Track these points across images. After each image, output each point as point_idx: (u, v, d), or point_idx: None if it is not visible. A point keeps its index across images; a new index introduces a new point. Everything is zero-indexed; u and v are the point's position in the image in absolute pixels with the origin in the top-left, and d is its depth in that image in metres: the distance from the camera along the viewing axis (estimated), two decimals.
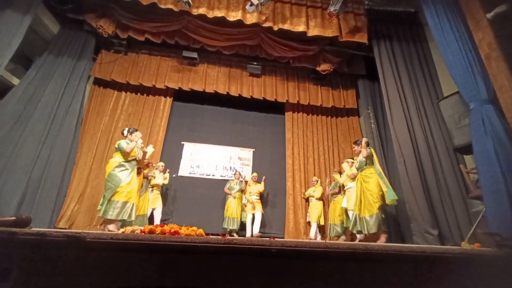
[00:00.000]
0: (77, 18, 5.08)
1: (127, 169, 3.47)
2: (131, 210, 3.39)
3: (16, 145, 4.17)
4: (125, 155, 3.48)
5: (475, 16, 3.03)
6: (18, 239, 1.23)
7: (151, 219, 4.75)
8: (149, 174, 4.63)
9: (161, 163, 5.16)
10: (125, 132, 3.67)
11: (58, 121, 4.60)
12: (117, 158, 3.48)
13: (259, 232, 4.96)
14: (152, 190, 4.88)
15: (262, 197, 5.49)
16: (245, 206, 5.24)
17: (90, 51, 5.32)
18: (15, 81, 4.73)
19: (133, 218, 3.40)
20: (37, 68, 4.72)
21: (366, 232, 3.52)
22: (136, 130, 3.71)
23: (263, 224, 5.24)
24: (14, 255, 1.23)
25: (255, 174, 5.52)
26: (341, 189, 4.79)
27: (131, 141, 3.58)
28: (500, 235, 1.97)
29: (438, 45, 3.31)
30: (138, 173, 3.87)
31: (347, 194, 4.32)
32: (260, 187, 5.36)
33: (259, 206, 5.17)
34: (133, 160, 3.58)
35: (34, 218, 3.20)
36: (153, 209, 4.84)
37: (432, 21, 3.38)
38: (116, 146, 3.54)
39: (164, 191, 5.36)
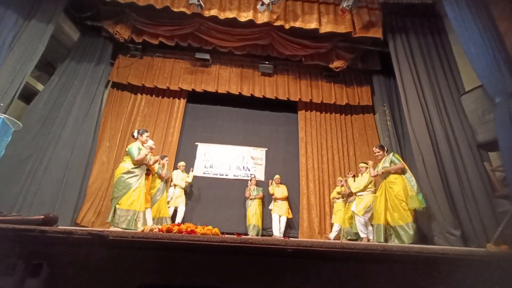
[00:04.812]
0: (95, 25, 5.29)
1: (136, 175, 3.40)
2: (136, 219, 3.26)
3: (42, 147, 4.42)
4: (134, 161, 3.40)
5: (499, 4, 2.86)
6: (48, 236, 1.30)
7: (173, 218, 4.88)
8: (166, 176, 4.74)
9: (182, 163, 5.28)
10: (135, 134, 3.64)
11: (78, 124, 4.82)
12: (127, 164, 3.41)
13: (284, 236, 4.97)
14: (175, 188, 5.00)
15: (289, 200, 5.46)
16: (272, 209, 5.29)
17: (108, 56, 5.53)
18: (40, 87, 5.00)
19: (139, 227, 3.24)
20: (59, 74, 4.97)
21: (404, 242, 3.32)
22: (146, 131, 3.65)
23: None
24: (43, 251, 1.31)
25: (277, 176, 5.48)
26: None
27: (142, 142, 3.55)
28: None
29: (458, 37, 3.16)
30: (146, 174, 3.86)
31: (357, 200, 4.21)
32: (284, 191, 5.33)
33: (285, 209, 5.20)
34: (143, 165, 3.52)
35: (58, 217, 3.36)
36: (176, 207, 4.96)
37: (451, 12, 3.22)
38: (127, 150, 3.48)
39: (189, 190, 5.49)
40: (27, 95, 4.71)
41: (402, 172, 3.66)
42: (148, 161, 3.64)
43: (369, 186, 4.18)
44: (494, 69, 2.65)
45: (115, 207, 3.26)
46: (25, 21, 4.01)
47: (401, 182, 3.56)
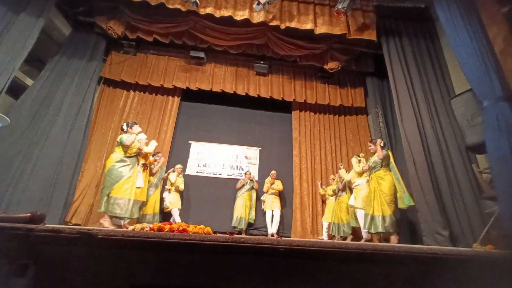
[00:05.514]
0: (88, 21, 5.19)
1: (128, 164, 3.40)
2: (131, 206, 3.29)
3: (30, 144, 4.31)
4: (126, 149, 3.42)
5: (489, 10, 2.94)
6: (35, 235, 1.27)
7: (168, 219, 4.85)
8: (163, 175, 4.70)
9: (179, 165, 5.24)
10: (125, 127, 3.62)
11: (69, 121, 4.72)
12: (118, 154, 3.43)
13: (277, 232, 4.96)
14: (170, 192, 4.95)
15: (281, 196, 5.48)
16: (264, 202, 5.28)
17: (100, 53, 5.43)
18: (29, 81, 4.88)
19: (135, 216, 3.32)
20: (50, 69, 4.85)
21: (381, 230, 3.51)
22: (135, 123, 3.62)
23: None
24: (30, 251, 1.27)
25: (274, 172, 5.48)
26: (346, 187, 4.73)
27: (131, 134, 3.56)
28: None
29: (449, 41, 3.23)
30: (144, 169, 3.86)
31: (355, 192, 4.26)
32: (280, 185, 5.35)
33: (277, 204, 5.19)
34: (134, 156, 3.52)
35: (46, 215, 3.28)
36: (178, 209, 4.94)
37: (443, 16, 3.29)
38: (118, 140, 3.50)
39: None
40: (16, 90, 4.58)
41: (387, 165, 3.77)
42: (139, 147, 3.58)
43: (365, 174, 4.19)
44: (482, 73, 2.72)
45: (107, 196, 3.22)
46: (14, 15, 3.90)
47: (389, 179, 3.68)
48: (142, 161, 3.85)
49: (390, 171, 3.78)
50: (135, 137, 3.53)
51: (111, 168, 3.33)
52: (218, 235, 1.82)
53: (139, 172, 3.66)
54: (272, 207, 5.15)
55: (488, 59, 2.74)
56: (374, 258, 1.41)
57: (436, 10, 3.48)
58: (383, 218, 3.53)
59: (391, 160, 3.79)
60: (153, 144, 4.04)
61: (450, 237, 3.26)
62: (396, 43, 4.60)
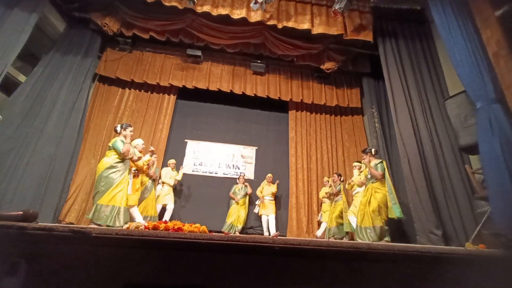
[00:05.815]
0: (83, 17, 5.12)
1: (118, 170, 3.26)
2: (117, 215, 3.15)
3: (23, 141, 4.24)
4: (120, 154, 3.29)
5: (483, 14, 2.98)
6: (27, 233, 1.25)
7: (161, 216, 4.79)
8: (155, 174, 4.67)
9: (172, 160, 5.21)
10: (118, 128, 3.44)
11: (63, 118, 4.65)
12: (110, 159, 3.27)
13: (277, 231, 4.95)
14: (163, 186, 4.92)
15: (276, 198, 5.47)
16: (259, 206, 5.27)
17: (95, 49, 5.36)
18: (22, 78, 4.80)
19: (119, 224, 3.14)
20: (43, 66, 4.77)
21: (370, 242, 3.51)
22: (129, 126, 3.46)
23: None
24: (22, 249, 1.25)
25: (270, 175, 5.46)
26: (340, 192, 4.74)
27: (124, 137, 3.38)
28: (506, 236, 1.95)
29: (444, 43, 3.27)
30: (135, 176, 3.78)
31: (355, 200, 4.27)
32: (273, 188, 5.35)
33: (272, 208, 5.18)
34: (126, 160, 3.37)
35: (38, 213, 3.23)
36: (163, 205, 4.88)
37: (438, 19, 3.33)
38: (110, 145, 3.32)
39: (178, 188, 5.41)
40: (8, 86, 4.50)
41: (380, 180, 3.76)
42: (133, 156, 3.51)
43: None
44: (476, 75, 2.76)
45: (97, 203, 3.14)
46: (7, 9, 3.83)
47: (384, 192, 3.69)
48: (133, 168, 3.76)
49: (383, 181, 3.76)
50: (130, 146, 3.39)
51: (101, 175, 3.21)
52: (214, 233, 1.82)
53: (130, 179, 3.56)
54: (268, 212, 5.14)
55: (482, 61, 2.78)
56: (369, 257, 1.43)
57: (431, 12, 3.51)
58: (374, 229, 3.56)
59: (386, 171, 3.76)
60: (146, 158, 4.02)
61: (443, 236, 3.30)
62: (392, 44, 4.63)
